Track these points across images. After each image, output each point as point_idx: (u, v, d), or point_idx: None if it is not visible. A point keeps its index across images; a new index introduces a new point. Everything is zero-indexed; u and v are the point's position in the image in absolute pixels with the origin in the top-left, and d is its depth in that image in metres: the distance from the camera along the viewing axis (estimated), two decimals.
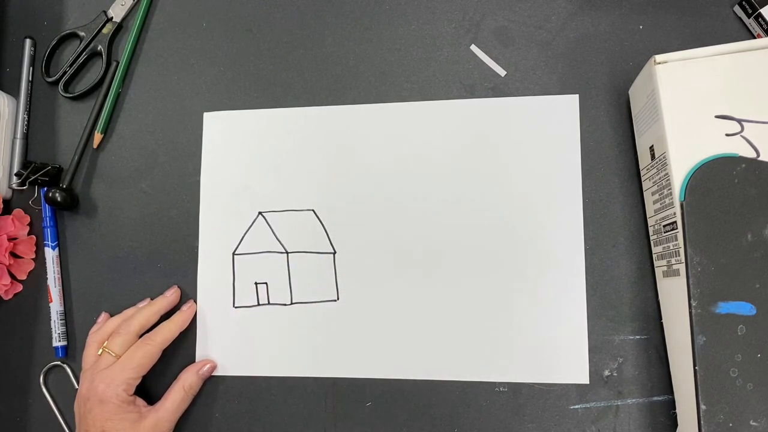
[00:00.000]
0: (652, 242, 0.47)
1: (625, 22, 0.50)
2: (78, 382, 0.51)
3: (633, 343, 0.47)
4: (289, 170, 0.52)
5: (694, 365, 0.39)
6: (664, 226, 0.43)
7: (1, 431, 0.53)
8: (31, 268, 0.55)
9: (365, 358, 0.49)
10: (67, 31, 0.57)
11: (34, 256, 0.55)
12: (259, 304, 0.51)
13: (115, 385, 0.45)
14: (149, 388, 0.51)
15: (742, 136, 0.40)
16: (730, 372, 0.38)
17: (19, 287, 0.54)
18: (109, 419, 0.45)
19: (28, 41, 0.57)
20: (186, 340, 0.51)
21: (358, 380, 0.49)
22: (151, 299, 0.52)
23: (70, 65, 0.56)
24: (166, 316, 0.51)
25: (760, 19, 0.47)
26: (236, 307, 0.52)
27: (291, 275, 0.51)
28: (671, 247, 0.42)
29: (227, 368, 0.51)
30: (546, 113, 0.50)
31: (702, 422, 0.38)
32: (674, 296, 0.43)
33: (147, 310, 0.50)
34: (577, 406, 0.47)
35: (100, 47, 0.56)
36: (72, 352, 0.53)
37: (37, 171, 0.53)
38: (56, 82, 0.56)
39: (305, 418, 0.50)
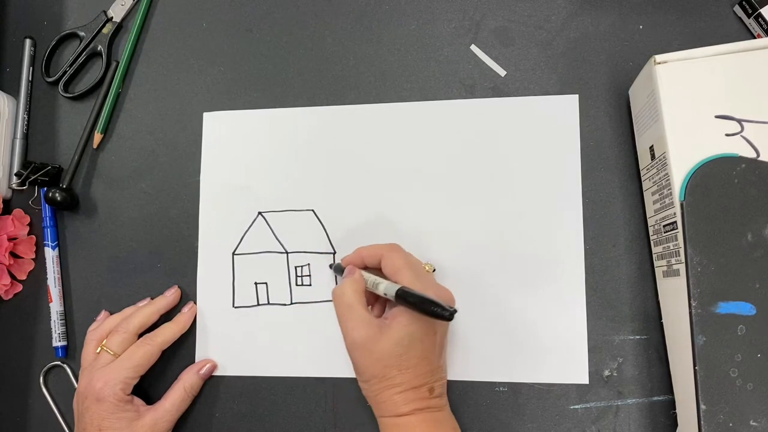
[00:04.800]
0: (652, 242, 0.47)
1: (625, 22, 0.50)
2: (78, 382, 0.51)
3: (633, 343, 0.47)
4: (289, 170, 0.52)
5: (694, 365, 0.39)
6: (664, 226, 0.43)
7: (1, 431, 0.53)
8: (31, 268, 0.55)
9: None
10: (67, 31, 0.57)
11: (34, 256, 0.55)
12: (259, 304, 0.51)
13: (112, 384, 0.45)
14: (148, 388, 0.51)
15: (742, 136, 0.40)
16: (730, 372, 0.38)
17: (19, 287, 0.54)
18: (106, 418, 0.45)
19: (28, 41, 0.57)
20: (186, 340, 0.51)
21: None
22: (152, 299, 0.52)
23: (70, 65, 0.56)
24: (166, 316, 0.51)
25: (760, 19, 0.47)
26: (236, 307, 0.52)
27: (291, 275, 0.51)
28: (671, 247, 0.42)
29: (227, 368, 0.51)
30: (546, 113, 0.50)
31: (702, 422, 0.38)
32: (674, 296, 0.42)
33: (147, 310, 0.50)
34: (577, 406, 0.47)
35: (100, 47, 0.56)
36: (72, 352, 0.53)
37: (37, 171, 0.53)
38: (56, 82, 0.56)
39: (305, 418, 0.50)
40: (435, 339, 0.42)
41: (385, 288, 0.42)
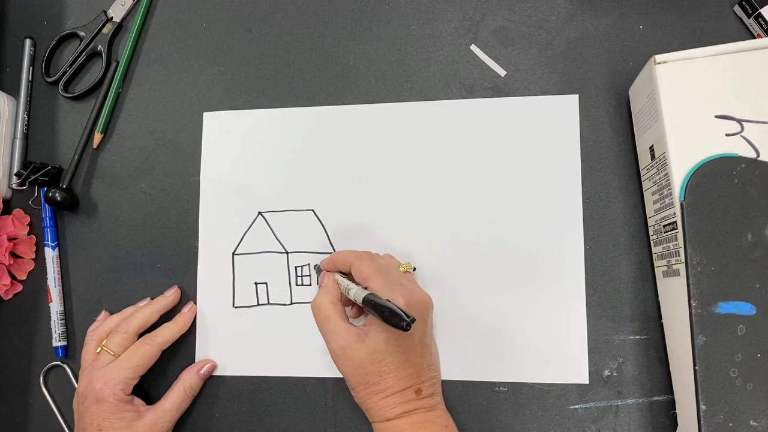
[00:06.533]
0: (652, 242, 0.47)
1: (625, 22, 0.50)
2: (78, 382, 0.51)
3: (633, 343, 0.47)
4: (289, 170, 0.52)
5: (694, 365, 0.39)
6: (664, 226, 0.43)
7: (1, 431, 0.53)
8: (31, 268, 0.55)
9: None
10: (67, 31, 0.57)
11: (34, 256, 0.55)
12: (259, 304, 0.51)
13: (112, 384, 0.45)
14: (148, 388, 0.51)
15: (742, 136, 0.40)
16: (730, 372, 0.38)
17: (19, 287, 0.54)
18: (106, 418, 0.45)
19: (28, 41, 0.57)
20: (186, 340, 0.51)
21: None
22: (151, 299, 0.52)
23: (70, 65, 0.56)
24: (166, 316, 0.51)
25: (760, 19, 0.47)
26: (236, 307, 0.52)
27: (291, 275, 0.51)
28: (671, 247, 0.42)
29: (227, 368, 0.51)
30: (546, 113, 0.50)
31: (702, 422, 0.38)
32: (674, 296, 0.42)
33: (147, 310, 0.50)
34: (577, 406, 0.47)
35: (100, 47, 0.56)
36: (72, 352, 0.53)
37: (37, 171, 0.53)
38: (56, 82, 0.56)
39: (305, 418, 0.50)
40: (413, 341, 0.42)
41: (354, 294, 0.42)
